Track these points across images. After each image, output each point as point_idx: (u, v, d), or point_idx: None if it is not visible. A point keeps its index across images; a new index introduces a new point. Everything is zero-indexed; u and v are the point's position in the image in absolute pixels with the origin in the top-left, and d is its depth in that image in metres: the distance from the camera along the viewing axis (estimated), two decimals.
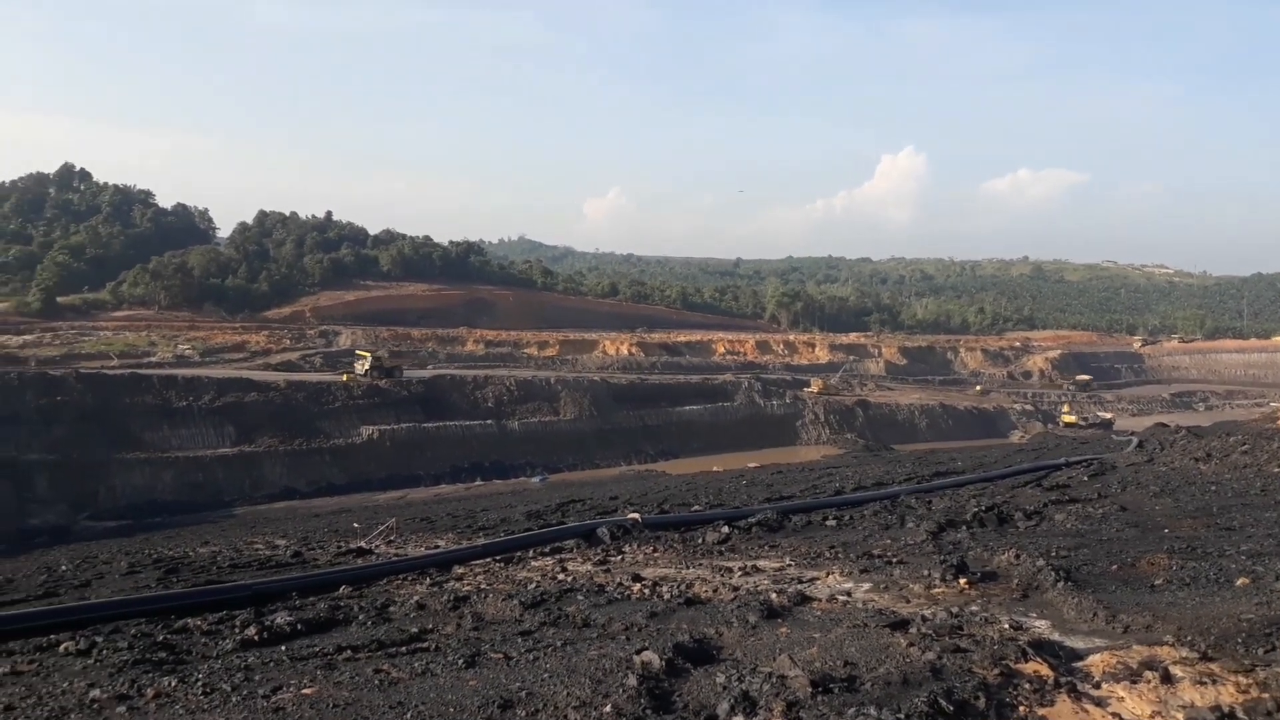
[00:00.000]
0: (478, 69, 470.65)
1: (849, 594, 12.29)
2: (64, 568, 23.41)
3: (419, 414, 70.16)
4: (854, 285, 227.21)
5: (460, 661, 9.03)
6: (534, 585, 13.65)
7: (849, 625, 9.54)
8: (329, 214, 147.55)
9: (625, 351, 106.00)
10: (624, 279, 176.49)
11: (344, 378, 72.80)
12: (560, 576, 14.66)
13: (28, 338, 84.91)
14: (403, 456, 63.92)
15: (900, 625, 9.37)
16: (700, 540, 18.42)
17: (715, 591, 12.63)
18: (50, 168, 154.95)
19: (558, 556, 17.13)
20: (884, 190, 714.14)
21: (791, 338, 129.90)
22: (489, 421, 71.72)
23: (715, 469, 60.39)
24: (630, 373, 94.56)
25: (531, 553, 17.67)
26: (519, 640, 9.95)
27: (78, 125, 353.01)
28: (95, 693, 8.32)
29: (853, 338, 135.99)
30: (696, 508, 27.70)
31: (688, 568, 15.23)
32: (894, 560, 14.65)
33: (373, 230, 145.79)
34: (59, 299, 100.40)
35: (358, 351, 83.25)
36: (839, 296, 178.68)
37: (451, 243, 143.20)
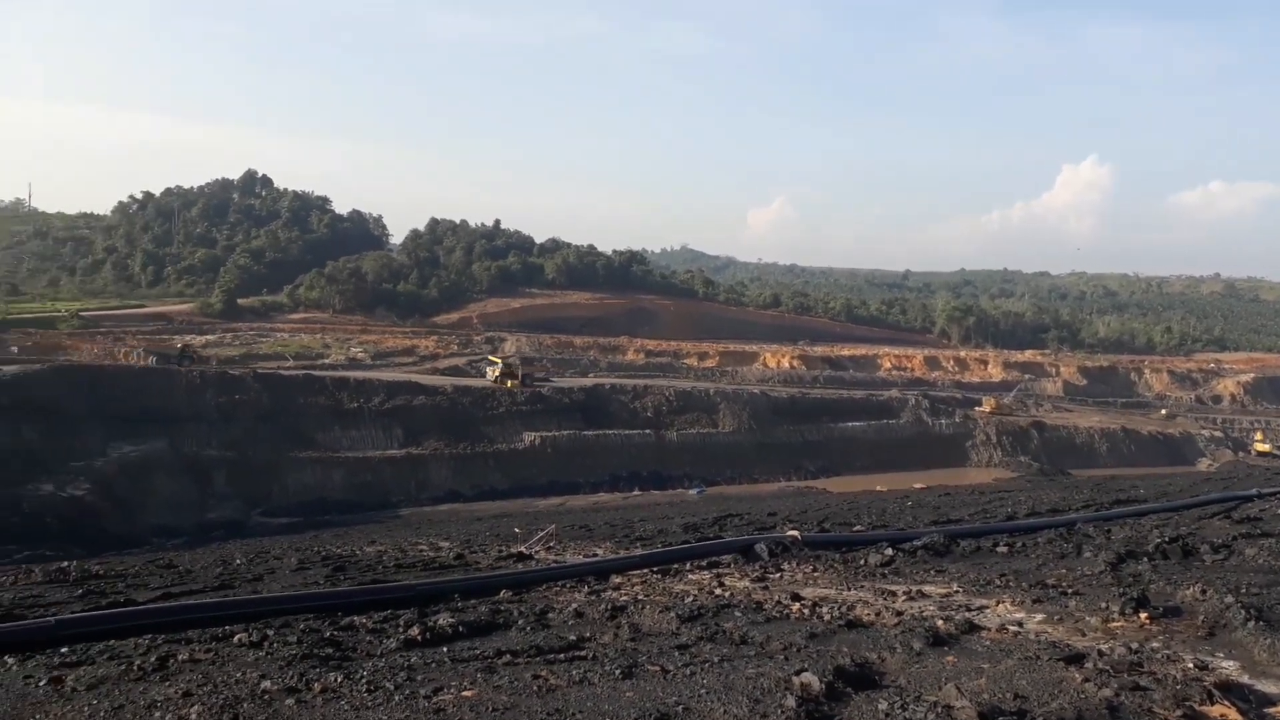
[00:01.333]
0: (645, 78, 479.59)
1: (1020, 624, 11.44)
2: (238, 561, 24.59)
3: (579, 422, 71.23)
4: (1031, 300, 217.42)
5: (617, 671, 8.84)
6: (691, 599, 13.35)
7: (1020, 657, 8.84)
8: (497, 222, 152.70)
9: (786, 364, 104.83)
10: (786, 290, 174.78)
11: (508, 384, 74.64)
12: (717, 591, 14.29)
13: (210, 338, 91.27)
14: (563, 463, 64.98)
15: (1075, 659, 8.60)
16: (862, 561, 17.67)
17: (878, 615, 12.02)
18: (235, 174, 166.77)
19: (715, 571, 16.74)
20: (1064, 202, 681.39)
21: (962, 354, 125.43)
22: (648, 431, 72.12)
23: (878, 488, 58.72)
24: (791, 386, 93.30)
25: (689, 565, 17.34)
26: (676, 654, 9.68)
27: (261, 134, 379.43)
28: (266, 684, 8.52)
29: (1028, 355, 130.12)
30: (858, 528, 26.76)
31: (849, 589, 14.59)
32: (1069, 591, 13.61)
33: (539, 239, 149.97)
34: (239, 301, 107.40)
35: (489, 358, 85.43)
36: (1014, 312, 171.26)
37: (615, 252, 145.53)
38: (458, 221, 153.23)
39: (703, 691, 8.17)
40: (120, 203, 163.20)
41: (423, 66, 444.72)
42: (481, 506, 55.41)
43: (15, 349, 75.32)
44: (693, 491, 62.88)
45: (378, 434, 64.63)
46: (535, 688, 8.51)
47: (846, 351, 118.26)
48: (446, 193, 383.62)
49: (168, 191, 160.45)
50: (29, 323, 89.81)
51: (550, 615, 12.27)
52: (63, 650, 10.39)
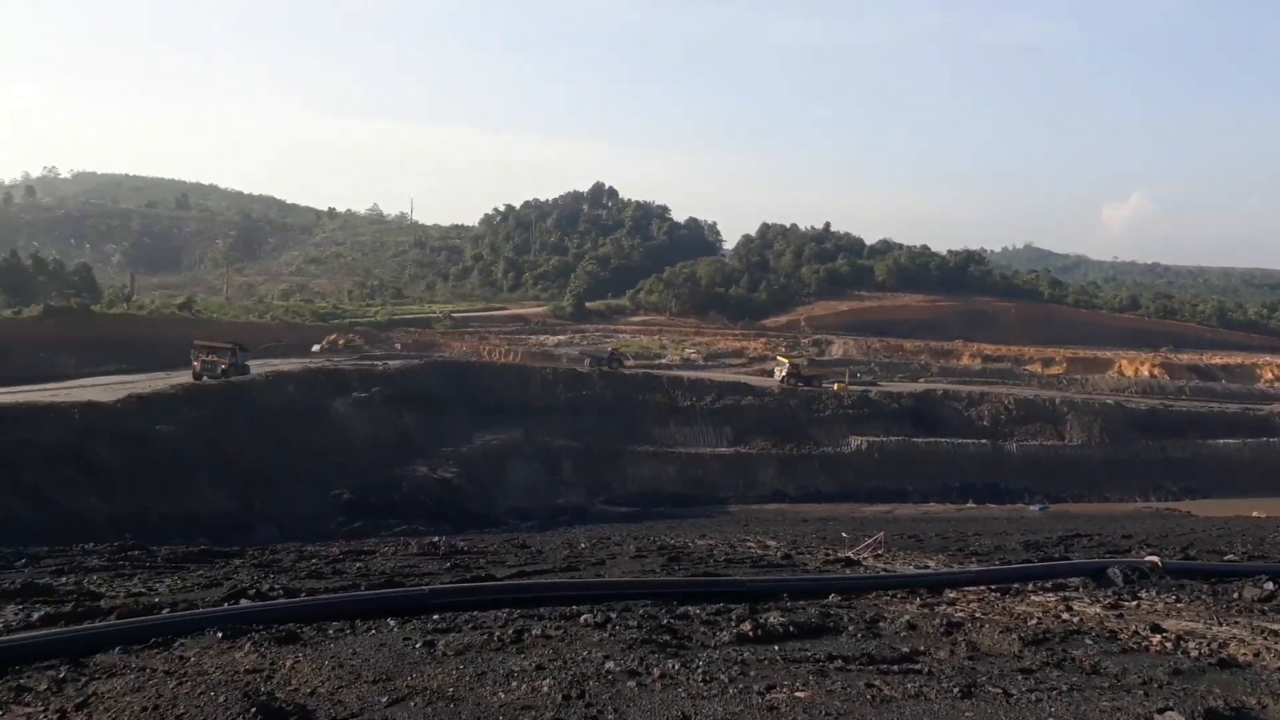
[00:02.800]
0: (986, 72, 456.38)
1: None
2: (583, 545, 26.15)
3: (909, 428, 69.04)
4: None
5: (955, 690, 8.47)
6: (1034, 621, 12.50)
7: None
8: (827, 225, 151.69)
9: (1145, 373, 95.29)
10: (1146, 291, 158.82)
11: (835, 386, 73.89)
12: (1064, 616, 13.25)
13: (560, 337, 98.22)
14: (891, 470, 63.29)
15: None
16: (1236, 595, 15.67)
17: (1256, 656, 10.59)
18: (584, 186, 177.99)
19: (1061, 594, 15.55)
20: None
21: None
22: (983, 441, 68.46)
23: (1254, 514, 51.89)
24: (1151, 397, 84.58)
25: (1030, 586, 16.23)
26: (1019, 677, 9.11)
27: (609, 149, 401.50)
28: (610, 665, 8.99)
29: None
30: (1231, 557, 23.79)
31: (1220, 624, 12.97)
32: None
33: (869, 240, 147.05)
34: (587, 304, 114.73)
35: (778, 358, 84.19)
36: None
37: (950, 252, 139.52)
38: (788, 226, 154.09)
39: None
40: (486, 215, 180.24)
41: (758, 74, 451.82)
42: (807, 508, 55.24)
43: (399, 345, 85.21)
44: (1033, 508, 58.80)
45: (709, 431, 66.38)
46: (869, 696, 8.33)
47: (1218, 360, 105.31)
48: (778, 198, 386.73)
49: (526, 204, 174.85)
50: (410, 322, 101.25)
51: (881, 624, 11.97)
52: (434, 617, 11.58)
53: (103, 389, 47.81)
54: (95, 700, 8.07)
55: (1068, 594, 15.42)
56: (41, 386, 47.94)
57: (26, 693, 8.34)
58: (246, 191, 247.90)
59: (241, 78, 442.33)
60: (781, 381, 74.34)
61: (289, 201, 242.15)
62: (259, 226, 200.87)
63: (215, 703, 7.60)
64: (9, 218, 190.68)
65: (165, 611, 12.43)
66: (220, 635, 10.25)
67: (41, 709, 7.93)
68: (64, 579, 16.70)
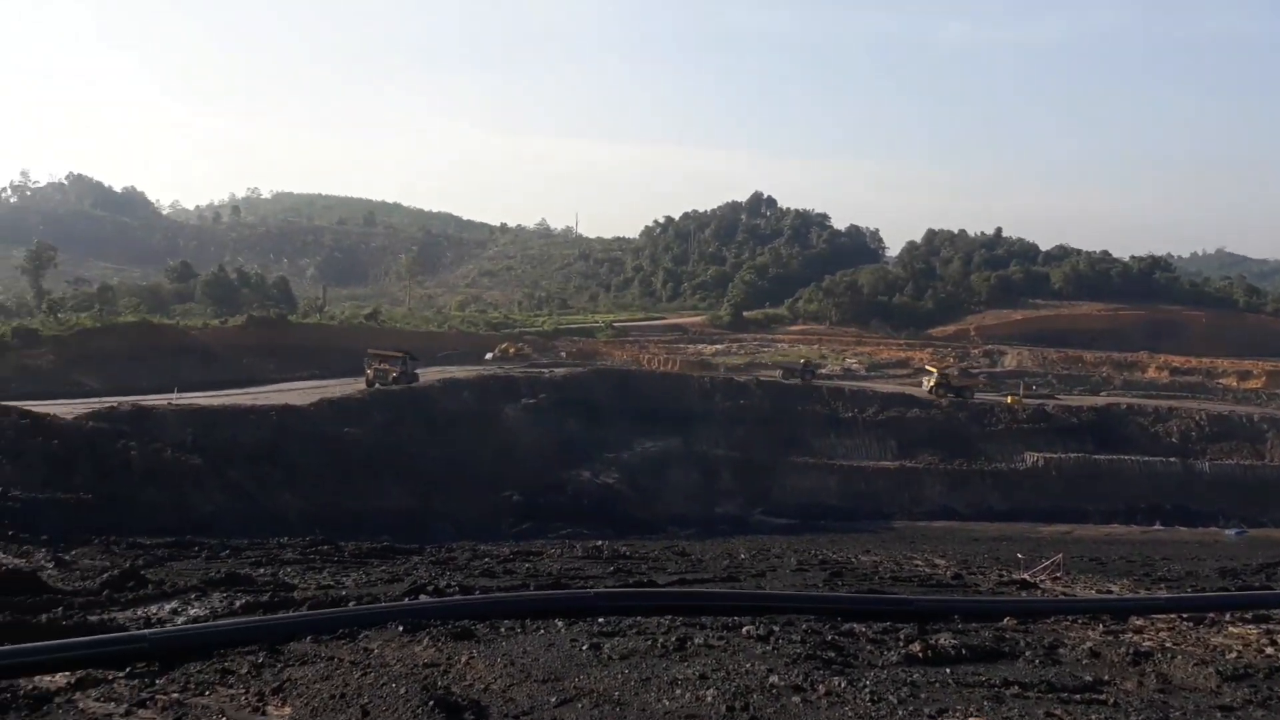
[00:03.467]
0: (1174, 67, 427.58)
1: None
2: (743, 556, 26.10)
3: (1089, 444, 65.44)
4: None
5: None
6: (1234, 655, 11.67)
7: None
8: (998, 230, 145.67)
9: None
10: None
11: (1009, 399, 71.03)
12: (1269, 651, 12.33)
13: (718, 347, 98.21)
14: (1069, 488, 60.15)
15: None
16: None
17: None
18: (743, 197, 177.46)
19: (1264, 626, 14.46)
20: None
21: None
22: (1172, 459, 64.19)
23: None
24: None
25: (1228, 616, 15.17)
26: (1217, 714, 8.59)
27: (768, 158, 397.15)
28: (774, 679, 8.96)
29: None
30: None
31: None
32: None
33: (1044, 246, 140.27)
34: (745, 314, 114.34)
35: (926, 367, 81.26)
36: None
37: (1133, 258, 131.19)
38: (955, 232, 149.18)
39: None
40: (646, 227, 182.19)
41: (923, 77, 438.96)
42: (978, 526, 53.29)
43: (564, 354, 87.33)
44: (1230, 532, 54.73)
45: (871, 444, 64.91)
46: None
47: None
48: (944, 203, 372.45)
49: (686, 215, 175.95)
50: (574, 331, 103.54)
51: (1061, 651, 11.46)
52: (599, 620, 11.84)
53: (298, 393, 51.12)
54: (289, 686, 8.65)
55: (1271, 626, 14.34)
56: (244, 390, 51.70)
57: (229, 675, 9.02)
58: (427, 209, 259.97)
59: (422, 101, 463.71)
60: (929, 392, 72.12)
61: (465, 218, 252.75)
62: (438, 241, 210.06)
63: (396, 694, 8.01)
64: (217, 235, 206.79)
65: (351, 604, 13.20)
66: (401, 629, 10.80)
67: (243, 691, 8.56)
68: (262, 570, 17.95)
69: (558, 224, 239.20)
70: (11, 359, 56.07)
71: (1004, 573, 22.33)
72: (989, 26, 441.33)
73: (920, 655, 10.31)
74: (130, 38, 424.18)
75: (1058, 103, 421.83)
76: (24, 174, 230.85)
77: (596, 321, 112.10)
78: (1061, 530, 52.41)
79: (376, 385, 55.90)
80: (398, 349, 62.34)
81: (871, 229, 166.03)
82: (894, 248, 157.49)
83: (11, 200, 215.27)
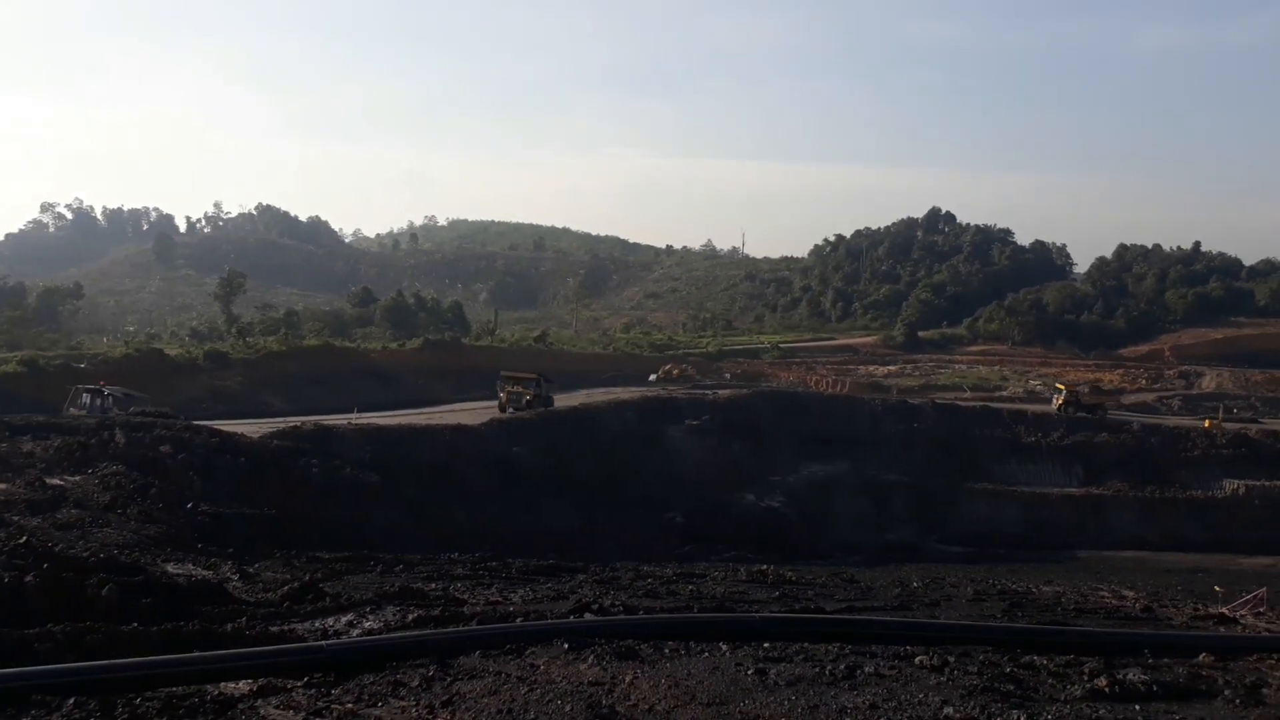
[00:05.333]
0: None
1: None
2: (915, 584, 25.22)
3: None
4: None
5: None
6: None
7: None
8: (1196, 245, 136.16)
9: None
10: None
11: (1206, 423, 66.18)
12: None
13: (891, 368, 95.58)
14: (1275, 518, 55.25)
15: None
16: None
17: None
18: (919, 213, 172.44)
19: None
20: None
21: None
22: None
23: None
24: None
25: None
26: None
27: (946, 173, 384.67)
28: (949, 710, 8.59)
29: None
30: None
31: None
32: None
33: (1248, 260, 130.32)
34: (920, 333, 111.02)
35: (1056, 385, 76.77)
36: None
37: None
38: (1149, 247, 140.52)
39: None
40: (816, 246, 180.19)
41: (1115, 86, 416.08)
42: (1171, 557, 49.71)
43: (728, 375, 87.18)
44: None
45: (1055, 470, 61.64)
46: None
47: None
48: (1137, 217, 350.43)
49: (857, 233, 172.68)
50: (739, 353, 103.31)
51: (1264, 691, 10.58)
52: (764, 645, 11.67)
53: (469, 413, 52.93)
54: (458, 700, 8.89)
55: None
56: (419, 410, 53.94)
57: (401, 687, 9.36)
58: (594, 233, 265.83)
59: (593, 126, 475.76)
60: (1058, 410, 68.30)
61: (631, 241, 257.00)
62: (604, 265, 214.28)
63: (562, 711, 8.11)
64: (396, 261, 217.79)
65: (519, 620, 13.49)
66: (566, 646, 10.94)
67: (414, 704, 8.85)
68: (433, 585, 18.58)
69: (724, 245, 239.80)
70: (203, 380, 59.98)
71: (1200, 607, 20.75)
72: (1184, 29, 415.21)
73: (1106, 690, 9.72)
74: (318, 72, 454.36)
75: (1261, 108, 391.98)
76: (216, 205, 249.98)
77: (762, 343, 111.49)
78: (1265, 563, 48.21)
79: (510, 410, 54.10)
80: (533, 371, 60.62)
81: (1058, 244, 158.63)
82: (1082, 264, 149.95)
83: (205, 230, 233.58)
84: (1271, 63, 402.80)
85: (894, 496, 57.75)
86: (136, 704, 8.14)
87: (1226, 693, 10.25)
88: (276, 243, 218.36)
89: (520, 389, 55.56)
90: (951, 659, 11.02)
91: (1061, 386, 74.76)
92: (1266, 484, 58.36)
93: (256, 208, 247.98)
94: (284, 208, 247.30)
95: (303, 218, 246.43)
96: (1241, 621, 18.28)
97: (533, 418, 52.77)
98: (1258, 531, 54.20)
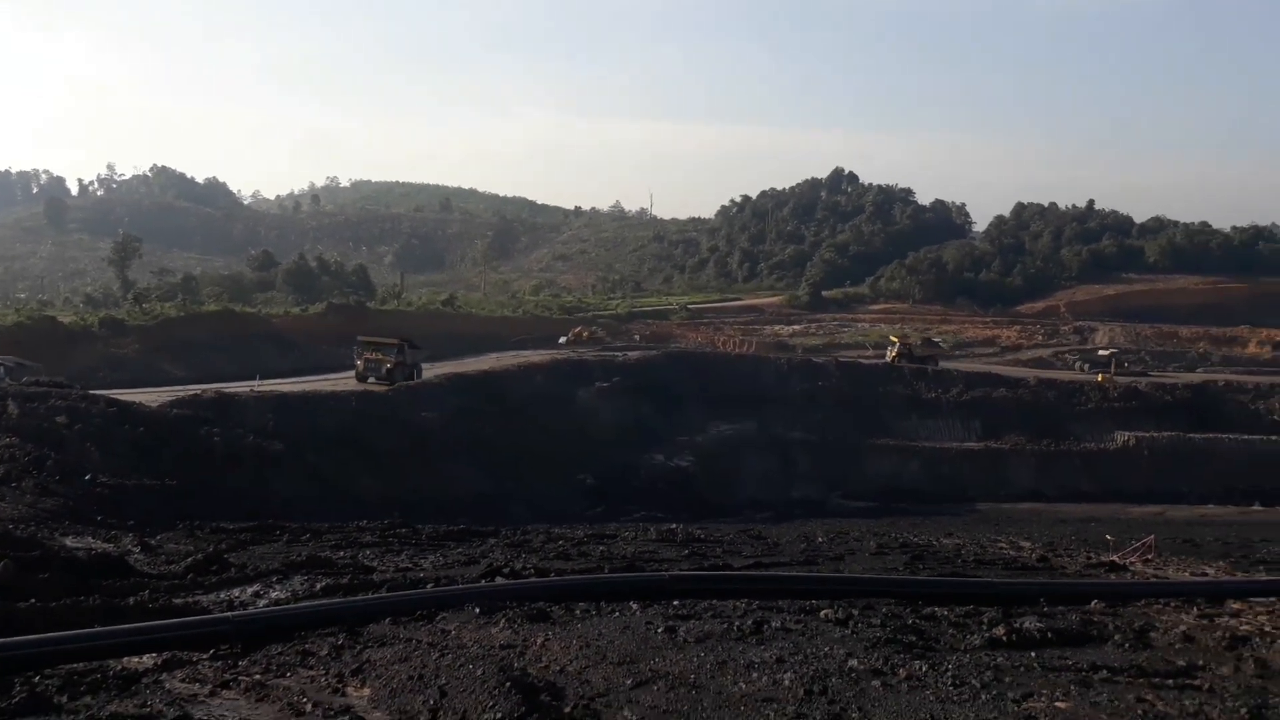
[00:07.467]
0: (1274, 28, 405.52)
1: None
2: (820, 539, 25.82)
3: (1184, 422, 63.20)
4: None
5: (1243, 710, 7.81)
6: None
7: None
8: (1090, 203, 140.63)
9: None
10: None
11: (1099, 378, 69.00)
12: None
13: (796, 328, 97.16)
14: (1162, 468, 58.12)
15: None
16: None
17: None
18: (823, 174, 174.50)
19: None
20: None
21: None
22: (1274, 438, 61.60)
23: None
24: None
25: None
26: None
27: (848, 134, 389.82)
28: (853, 662, 8.81)
29: None
30: None
31: None
32: None
33: (1139, 218, 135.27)
34: (824, 293, 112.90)
35: (890, 338, 79.83)
36: None
37: (1234, 228, 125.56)
38: (1046, 205, 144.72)
39: None
40: (722, 207, 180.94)
41: (1014, 47, 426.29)
42: (1065, 508, 51.93)
43: (637, 337, 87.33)
44: None
45: (955, 425, 63.56)
46: (1139, 711, 7.76)
47: None
48: (1035, 177, 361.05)
49: (763, 194, 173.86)
50: (648, 314, 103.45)
51: (1152, 635, 11.10)
52: (674, 603, 11.80)
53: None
54: (368, 667, 8.78)
55: None
56: (324, 376, 52.79)
57: (310, 657, 9.19)
58: (502, 194, 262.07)
59: (498, 87, 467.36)
60: (891, 361, 71.11)
61: (539, 202, 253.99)
62: (512, 227, 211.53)
63: (474, 676, 8.06)
64: (297, 224, 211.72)
65: (429, 586, 13.39)
66: (478, 611, 10.90)
67: (323, 673, 8.71)
68: (342, 553, 18.32)
69: (632, 206, 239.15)
70: (99, 349, 57.72)
71: (1092, 555, 21.72)
72: None
73: (1004, 639, 10.09)
74: (215, 31, 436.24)
75: (1154, 70, 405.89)
76: (109, 167, 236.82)
77: (671, 304, 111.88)
78: (1153, 511, 50.80)
79: (371, 379, 49.33)
80: (395, 336, 54.00)
81: (958, 204, 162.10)
82: (981, 223, 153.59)
83: (98, 193, 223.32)
84: (1160, 27, 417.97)
85: (799, 454, 58.83)
86: (35, 683, 7.86)
87: (1116, 637, 10.73)
88: (173, 205, 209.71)
89: (379, 356, 50.33)
90: (856, 612, 11.31)
91: (894, 339, 77.80)
92: (1155, 435, 61.25)
93: (151, 169, 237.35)
94: (180, 169, 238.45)
95: (200, 179, 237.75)
96: (1131, 569, 19.16)
97: (388, 392, 48.52)
98: (1146, 481, 56.92)
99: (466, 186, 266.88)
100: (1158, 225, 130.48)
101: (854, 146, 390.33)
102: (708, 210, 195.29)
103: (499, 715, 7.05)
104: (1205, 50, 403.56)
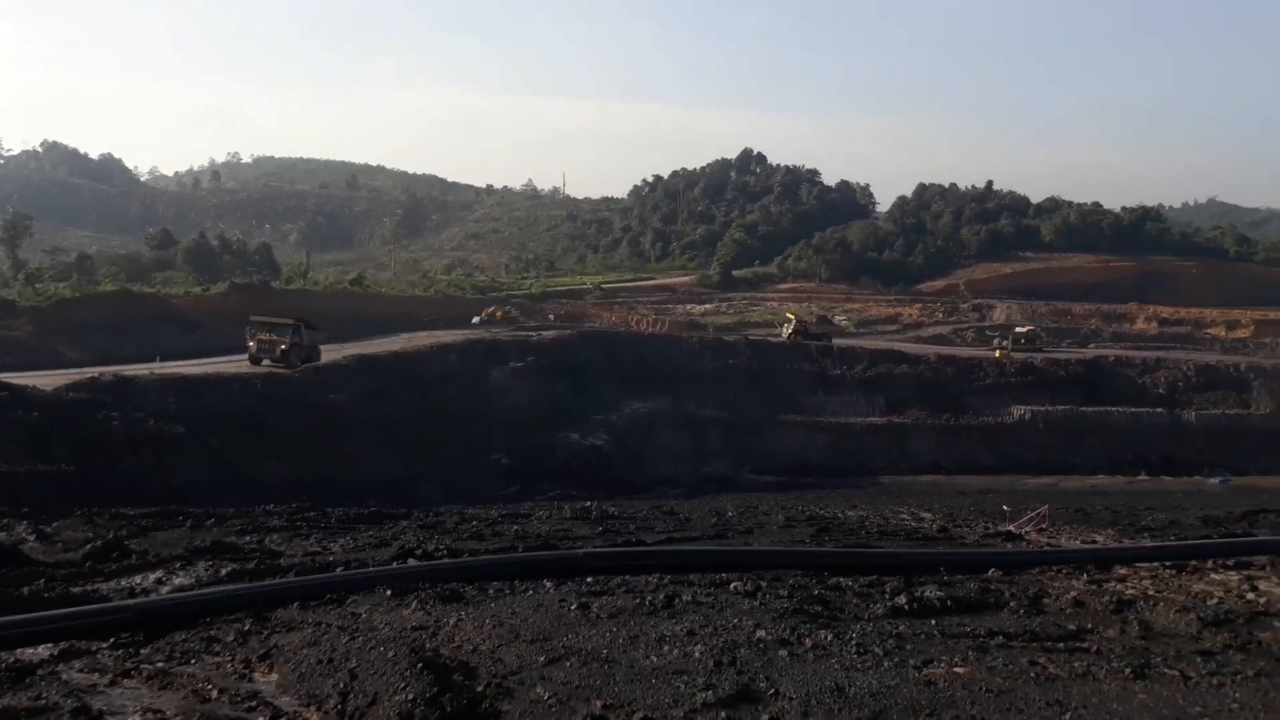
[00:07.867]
0: (1164, 17, 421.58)
1: None
2: (730, 514, 26.24)
3: (1077, 396, 65.80)
4: None
5: (1127, 670, 8.19)
6: (1214, 601, 11.87)
7: None
8: (989, 184, 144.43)
9: None
10: None
11: (996, 353, 71.27)
12: (1249, 596, 12.52)
13: (707, 306, 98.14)
14: (1056, 441, 60.51)
15: None
16: None
17: None
18: (732, 154, 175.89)
19: (1244, 572, 14.67)
20: None
21: None
22: (1159, 410, 64.59)
23: None
24: None
25: (1210, 564, 15.38)
26: (1197, 659, 8.73)
27: (756, 115, 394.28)
28: (761, 633, 9.02)
29: None
30: None
31: None
32: None
33: (1035, 199, 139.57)
34: (734, 272, 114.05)
35: (787, 315, 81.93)
36: None
37: (1124, 209, 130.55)
38: (946, 186, 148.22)
39: (1234, 706, 7.25)
40: (635, 187, 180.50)
41: (918, 31, 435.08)
42: (964, 480, 53.62)
43: (552, 317, 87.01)
44: (1214, 481, 55.26)
45: (860, 401, 65.04)
46: (1032, 674, 8.12)
47: None
48: (937, 158, 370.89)
49: (674, 174, 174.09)
50: (562, 294, 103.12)
51: (1045, 600, 11.61)
52: (588, 580, 11.90)
53: None
54: (276, 652, 8.65)
55: (1252, 573, 14.51)
56: (228, 358, 51.23)
57: (215, 643, 9.02)
58: (411, 171, 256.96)
59: (404, 63, 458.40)
60: (787, 339, 72.71)
61: (450, 180, 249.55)
62: (423, 204, 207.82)
63: (385, 658, 8.02)
64: (197, 201, 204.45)
65: (339, 570, 13.22)
66: (389, 593, 10.82)
67: (229, 658, 8.56)
68: (248, 538, 17.93)
69: (545, 185, 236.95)
70: None
71: (989, 525, 22.53)
72: None
73: (906, 607, 10.42)
74: (116, 3, 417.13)
75: (1051, 54, 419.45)
76: None
77: (584, 283, 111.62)
78: (1047, 482, 52.82)
79: (265, 362, 47.06)
80: (291, 316, 51.49)
81: (862, 185, 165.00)
82: (885, 203, 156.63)
83: None
84: (1058, 14, 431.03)
85: (711, 431, 59.54)
86: None
87: (1012, 604, 11.16)
88: (65, 182, 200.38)
89: (274, 338, 47.78)
90: (764, 584, 11.55)
91: (791, 316, 79.65)
92: (1049, 409, 63.67)
93: (42, 145, 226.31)
94: (73, 145, 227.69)
95: (94, 155, 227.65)
96: (1026, 538, 19.92)
97: (294, 374, 46.83)
98: (1041, 453, 59.25)
99: (374, 163, 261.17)
100: (1053, 205, 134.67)
101: (762, 128, 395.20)
102: (620, 190, 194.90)
103: (410, 696, 7.03)
104: (1102, 38, 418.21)
